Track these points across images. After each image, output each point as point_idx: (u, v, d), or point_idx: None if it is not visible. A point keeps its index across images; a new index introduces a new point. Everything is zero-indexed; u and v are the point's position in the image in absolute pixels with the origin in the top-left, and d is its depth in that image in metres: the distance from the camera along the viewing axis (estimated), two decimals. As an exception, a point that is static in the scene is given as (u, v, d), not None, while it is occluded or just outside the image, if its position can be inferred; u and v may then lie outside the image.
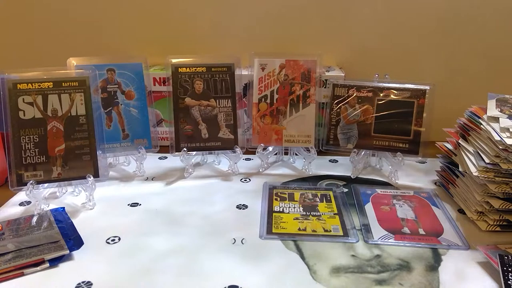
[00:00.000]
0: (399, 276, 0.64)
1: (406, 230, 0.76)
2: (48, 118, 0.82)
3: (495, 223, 0.75)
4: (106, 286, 0.62)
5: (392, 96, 0.96)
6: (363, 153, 0.98)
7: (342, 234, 0.75)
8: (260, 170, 1.01)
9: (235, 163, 0.99)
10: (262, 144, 1.00)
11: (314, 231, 0.75)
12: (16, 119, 0.80)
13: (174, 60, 0.96)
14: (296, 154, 1.05)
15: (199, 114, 0.97)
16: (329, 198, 0.86)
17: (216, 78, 0.98)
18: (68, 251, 0.67)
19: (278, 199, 0.86)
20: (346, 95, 0.98)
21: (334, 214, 0.81)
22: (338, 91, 0.98)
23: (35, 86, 0.81)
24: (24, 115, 0.81)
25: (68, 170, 0.83)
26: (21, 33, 1.21)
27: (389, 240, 0.73)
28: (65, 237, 0.71)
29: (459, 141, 0.85)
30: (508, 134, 0.73)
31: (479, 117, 0.82)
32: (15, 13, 1.19)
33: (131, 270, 0.65)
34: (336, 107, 0.98)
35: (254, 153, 1.00)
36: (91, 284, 0.62)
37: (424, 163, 1.05)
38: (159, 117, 1.12)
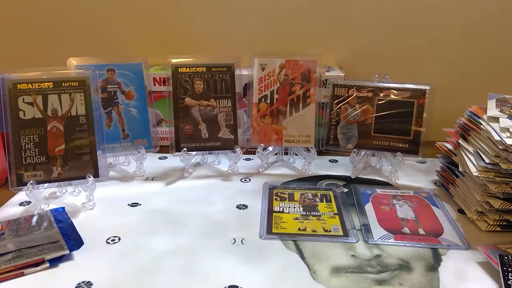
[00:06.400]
0: (399, 276, 0.64)
1: (406, 230, 0.76)
2: (48, 118, 0.82)
3: (495, 223, 0.75)
4: (106, 286, 0.62)
5: (392, 96, 0.96)
6: (363, 153, 0.98)
7: (342, 234, 0.75)
8: (260, 170, 1.01)
9: (235, 163, 0.99)
10: (262, 144, 1.00)
11: (314, 231, 0.75)
12: (16, 119, 0.80)
13: (174, 60, 0.96)
14: (296, 154, 1.05)
15: (199, 114, 0.97)
16: (329, 198, 0.86)
17: (216, 78, 0.98)
18: (68, 251, 0.67)
19: (278, 199, 0.86)
20: (346, 95, 0.98)
21: (334, 214, 0.81)
22: (338, 91, 0.98)
23: (35, 86, 0.81)
24: (24, 115, 0.80)
25: (68, 170, 0.83)
26: (21, 33, 1.21)
27: (389, 240, 0.73)
28: (65, 237, 0.71)
29: (459, 141, 0.85)
30: (508, 134, 0.73)
31: (479, 117, 0.82)
32: (15, 14, 1.19)
33: (131, 270, 0.65)
34: (336, 107, 0.98)
35: (254, 153, 1.00)
36: (91, 284, 0.62)
37: (424, 163, 1.05)
38: (159, 117, 1.12)
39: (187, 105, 0.97)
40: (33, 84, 0.81)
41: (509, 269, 0.62)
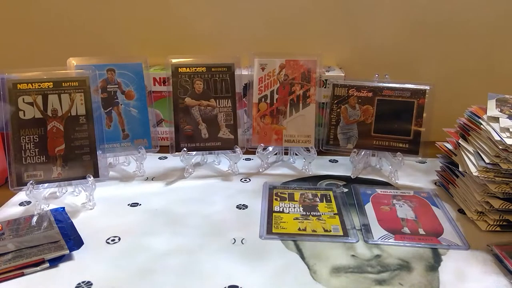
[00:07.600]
0: (399, 276, 0.64)
1: (406, 230, 0.76)
2: (48, 118, 0.82)
3: (495, 223, 0.75)
4: (106, 286, 0.62)
5: (392, 96, 0.96)
6: (363, 153, 0.98)
7: (342, 234, 0.75)
8: (260, 170, 1.01)
9: (235, 163, 0.99)
10: (262, 144, 1.00)
11: (314, 231, 0.75)
12: (16, 119, 0.80)
13: (174, 60, 0.96)
14: (296, 154, 1.05)
15: (199, 114, 0.97)
16: (329, 198, 0.86)
17: (216, 78, 0.98)
18: (68, 251, 0.67)
19: (278, 199, 0.86)
20: (346, 95, 0.98)
21: (334, 214, 0.81)
22: (338, 91, 0.98)
23: (35, 86, 0.81)
24: (24, 115, 0.81)
25: (68, 170, 0.83)
26: (21, 33, 1.21)
27: (389, 240, 0.73)
28: (65, 237, 0.71)
29: (459, 141, 0.85)
30: (508, 134, 0.73)
31: (479, 117, 0.82)
32: (15, 13, 1.19)
33: (131, 270, 0.65)
34: (336, 107, 0.98)
35: (254, 153, 1.00)
36: (91, 284, 0.62)
37: (424, 163, 1.05)
38: (159, 117, 1.12)
39: (187, 105, 0.97)
40: (33, 84, 0.81)
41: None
